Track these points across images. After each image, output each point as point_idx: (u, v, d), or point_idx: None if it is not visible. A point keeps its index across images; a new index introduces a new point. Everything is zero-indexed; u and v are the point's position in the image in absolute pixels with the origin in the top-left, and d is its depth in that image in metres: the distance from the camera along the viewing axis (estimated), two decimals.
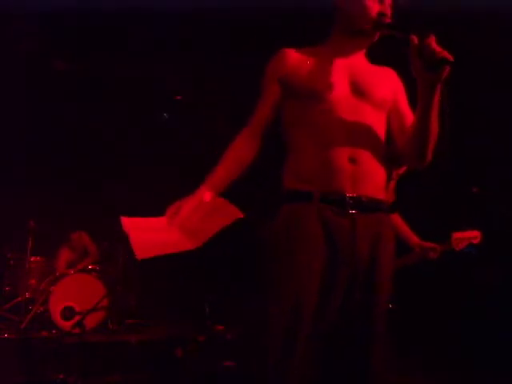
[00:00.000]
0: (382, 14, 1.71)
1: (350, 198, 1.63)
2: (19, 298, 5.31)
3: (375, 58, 1.90)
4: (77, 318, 4.63)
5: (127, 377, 4.04)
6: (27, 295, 5.29)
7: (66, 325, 4.74)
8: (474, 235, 3.17)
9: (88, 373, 3.79)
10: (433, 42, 1.50)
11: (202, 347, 4.34)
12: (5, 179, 5.88)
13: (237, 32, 5.17)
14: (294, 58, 1.79)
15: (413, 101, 1.85)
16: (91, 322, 4.75)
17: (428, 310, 4.98)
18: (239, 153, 1.82)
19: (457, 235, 3.15)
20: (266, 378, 1.56)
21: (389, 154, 1.79)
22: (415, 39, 1.53)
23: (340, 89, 1.71)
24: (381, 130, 1.76)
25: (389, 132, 1.83)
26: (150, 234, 1.77)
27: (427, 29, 1.56)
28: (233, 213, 1.81)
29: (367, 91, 1.73)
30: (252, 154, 1.84)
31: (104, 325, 5.00)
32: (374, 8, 1.71)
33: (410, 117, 1.79)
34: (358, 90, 1.73)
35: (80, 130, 6.61)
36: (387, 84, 1.81)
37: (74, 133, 6.58)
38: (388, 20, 1.72)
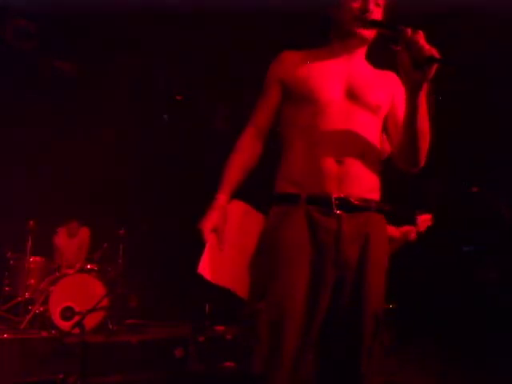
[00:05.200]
0: (363, 11, 1.71)
1: (336, 198, 1.64)
2: (19, 298, 5.30)
3: (375, 61, 1.90)
4: (76, 318, 4.62)
5: (127, 377, 4.04)
6: (27, 295, 5.28)
7: (66, 325, 4.73)
8: (429, 217, 3.28)
9: (88, 373, 3.78)
10: (421, 38, 1.47)
11: (202, 347, 4.34)
12: (5, 179, 5.88)
13: (238, 31, 5.18)
14: (294, 60, 1.80)
15: None
16: (91, 322, 4.74)
17: (429, 310, 4.99)
18: (246, 155, 1.84)
19: (420, 217, 3.26)
20: (254, 374, 1.56)
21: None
22: (409, 32, 1.50)
23: (333, 92, 1.71)
24: (373, 133, 1.76)
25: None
26: (219, 257, 1.77)
27: (417, 26, 1.56)
28: (259, 219, 1.83)
29: (362, 95, 1.73)
30: (257, 155, 1.87)
31: (104, 325, 4.99)
32: (355, 7, 1.71)
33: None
34: (352, 94, 1.73)
35: (80, 129, 6.62)
36: (385, 88, 1.80)
37: (74, 132, 6.58)
38: (371, 16, 1.71)
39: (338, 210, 1.64)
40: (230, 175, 1.80)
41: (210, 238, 1.72)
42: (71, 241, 6.03)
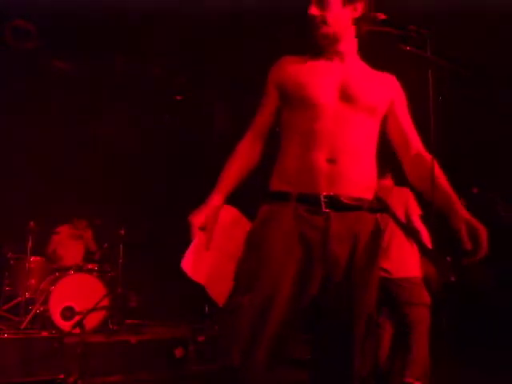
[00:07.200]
0: (315, 19, 1.76)
1: (325, 196, 1.66)
2: (19, 298, 5.30)
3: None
4: (77, 317, 4.62)
5: (127, 377, 4.04)
6: (27, 295, 5.28)
7: (66, 325, 4.73)
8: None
9: (88, 373, 3.79)
10: None
11: (202, 347, 4.34)
12: (5, 180, 5.88)
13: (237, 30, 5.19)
14: (291, 66, 1.84)
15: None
16: (91, 322, 4.74)
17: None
18: (245, 158, 1.87)
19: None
20: (231, 369, 1.58)
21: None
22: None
23: (326, 95, 1.74)
24: (369, 134, 1.78)
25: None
26: (202, 256, 1.79)
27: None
28: (246, 225, 1.86)
29: (356, 96, 1.75)
30: (256, 158, 1.90)
31: (104, 325, 4.99)
32: (314, 16, 1.76)
33: (408, 129, 1.83)
34: (346, 96, 1.75)
35: (80, 129, 6.62)
36: (382, 90, 1.82)
37: (74, 132, 6.58)
38: (322, 26, 1.75)
39: (326, 208, 1.65)
40: (226, 177, 1.82)
41: (197, 236, 1.74)
42: (73, 236, 6.04)
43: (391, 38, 1.76)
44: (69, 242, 5.99)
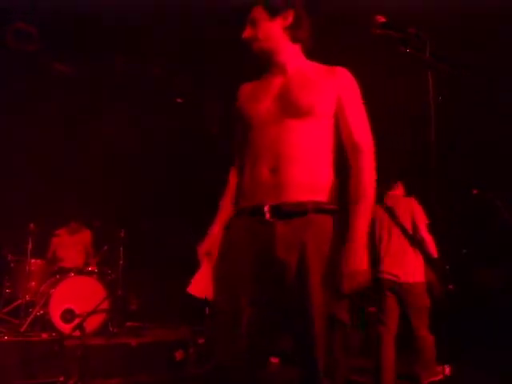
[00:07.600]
0: (248, 40, 1.90)
1: (270, 206, 1.76)
2: (19, 301, 5.29)
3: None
4: (77, 320, 4.62)
5: (127, 379, 4.05)
6: (27, 298, 5.27)
7: (66, 327, 4.73)
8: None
9: (88, 375, 3.79)
10: None
11: (202, 350, 4.34)
12: (5, 182, 5.87)
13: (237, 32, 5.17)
14: (245, 93, 1.98)
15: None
16: (91, 324, 4.74)
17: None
18: (234, 189, 2.03)
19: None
20: (216, 368, 1.73)
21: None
22: None
23: (265, 111, 1.85)
24: (316, 136, 1.82)
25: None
26: (208, 275, 2.02)
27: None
28: None
29: (294, 103, 1.81)
30: None
31: (104, 327, 4.99)
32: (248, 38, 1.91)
33: (353, 122, 1.84)
34: (286, 105, 1.82)
35: (80, 129, 6.62)
36: (325, 89, 1.84)
37: (74, 132, 6.58)
38: (253, 43, 1.88)
39: (271, 217, 1.75)
40: (221, 209, 2.03)
41: (203, 260, 1.97)
42: (72, 238, 6.03)
43: (391, 40, 1.77)
44: (68, 244, 5.98)
